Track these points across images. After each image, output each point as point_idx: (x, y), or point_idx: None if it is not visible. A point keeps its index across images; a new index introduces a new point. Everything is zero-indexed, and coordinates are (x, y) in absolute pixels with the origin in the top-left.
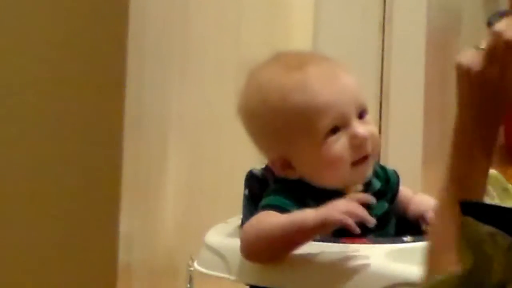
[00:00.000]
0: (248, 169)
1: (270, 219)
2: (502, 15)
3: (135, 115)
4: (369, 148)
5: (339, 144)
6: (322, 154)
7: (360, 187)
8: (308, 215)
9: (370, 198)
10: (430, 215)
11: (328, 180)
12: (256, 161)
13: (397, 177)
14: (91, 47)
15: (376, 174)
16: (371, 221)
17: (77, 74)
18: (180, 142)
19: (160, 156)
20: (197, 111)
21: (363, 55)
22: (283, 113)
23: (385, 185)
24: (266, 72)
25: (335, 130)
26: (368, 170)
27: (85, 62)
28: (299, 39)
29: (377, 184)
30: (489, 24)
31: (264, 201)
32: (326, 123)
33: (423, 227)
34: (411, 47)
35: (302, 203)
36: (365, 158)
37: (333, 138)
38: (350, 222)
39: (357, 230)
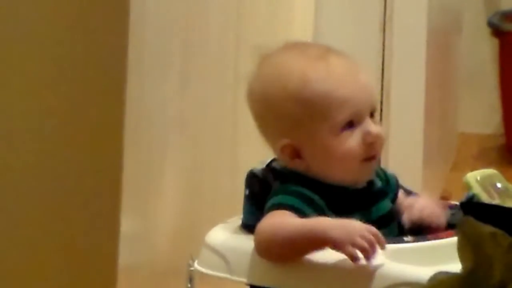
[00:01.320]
0: (248, 169)
1: (288, 221)
2: (503, 15)
3: (135, 115)
4: (378, 147)
5: (353, 139)
6: (336, 146)
7: (364, 184)
8: (328, 228)
9: (384, 243)
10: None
11: (336, 174)
12: (257, 161)
13: (396, 180)
14: (91, 47)
15: (377, 174)
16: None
17: (77, 74)
18: (180, 142)
19: (160, 156)
20: (197, 112)
21: (364, 55)
22: (302, 100)
23: (386, 185)
24: (286, 58)
25: (350, 124)
26: (374, 169)
27: (85, 62)
28: (300, 39)
29: (378, 183)
30: (489, 24)
31: (274, 200)
32: (344, 116)
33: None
34: (412, 47)
35: (311, 203)
36: (373, 157)
37: (348, 132)
38: (359, 257)
39: (360, 263)
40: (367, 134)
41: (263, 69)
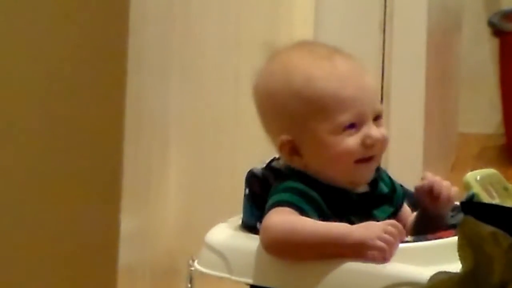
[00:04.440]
0: (248, 169)
1: (305, 222)
2: (503, 15)
3: (135, 115)
4: (378, 150)
5: (352, 140)
6: (334, 145)
7: (366, 187)
8: (351, 230)
9: (404, 234)
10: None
11: (330, 173)
12: (257, 161)
13: (403, 190)
14: (91, 47)
15: (383, 181)
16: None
17: (77, 74)
18: (180, 142)
19: (160, 156)
20: (197, 111)
21: (364, 55)
22: (306, 98)
23: (391, 193)
24: (293, 56)
25: (352, 126)
26: (371, 171)
27: (85, 62)
28: (300, 39)
29: (384, 189)
30: (489, 24)
31: (276, 197)
32: (346, 117)
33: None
34: (412, 47)
35: (311, 200)
36: (370, 158)
37: (348, 132)
38: (385, 252)
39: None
40: (367, 136)
41: (269, 65)
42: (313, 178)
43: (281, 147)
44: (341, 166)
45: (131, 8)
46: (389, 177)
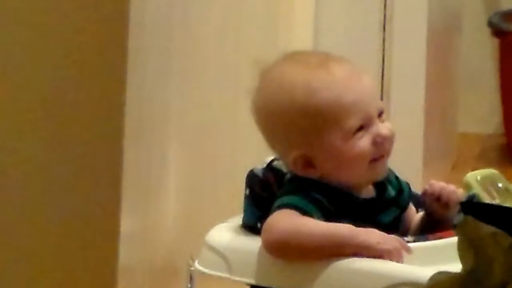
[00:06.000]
0: (248, 169)
1: (307, 223)
2: (503, 15)
3: (135, 115)
4: (388, 146)
5: (363, 141)
6: (347, 150)
7: (373, 192)
8: (356, 233)
9: (411, 250)
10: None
11: (347, 176)
12: (257, 161)
13: (409, 189)
14: (91, 47)
15: (391, 183)
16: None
17: (76, 74)
18: (180, 142)
19: (160, 156)
20: (197, 112)
21: (364, 55)
22: (310, 111)
23: (398, 195)
24: (287, 71)
25: (360, 128)
26: (384, 169)
27: (85, 62)
28: (300, 39)
29: (391, 192)
30: (489, 24)
31: (283, 200)
32: (354, 121)
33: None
34: (412, 47)
35: (319, 205)
36: (382, 156)
37: (358, 135)
38: (392, 255)
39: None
40: (377, 136)
41: (265, 84)
42: (322, 184)
43: (294, 163)
44: (357, 169)
45: (131, 8)
46: (396, 177)
